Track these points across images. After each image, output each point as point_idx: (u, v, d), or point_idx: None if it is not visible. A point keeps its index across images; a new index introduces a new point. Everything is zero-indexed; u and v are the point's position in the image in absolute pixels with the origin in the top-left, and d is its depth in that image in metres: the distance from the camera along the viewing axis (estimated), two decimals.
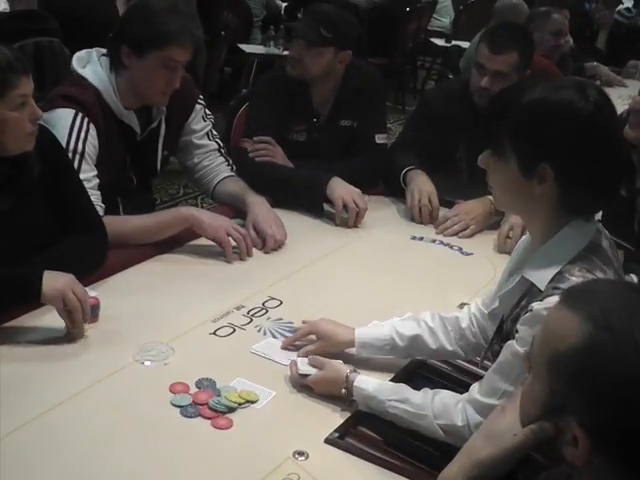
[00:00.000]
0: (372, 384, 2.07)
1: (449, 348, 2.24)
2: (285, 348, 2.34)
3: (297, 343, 2.34)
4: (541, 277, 1.81)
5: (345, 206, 3.26)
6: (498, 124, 1.86)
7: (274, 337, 2.41)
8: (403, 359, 2.31)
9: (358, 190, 3.30)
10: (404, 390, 2.03)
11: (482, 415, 1.80)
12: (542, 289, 1.79)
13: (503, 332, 1.94)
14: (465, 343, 2.24)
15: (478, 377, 2.15)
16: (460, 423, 1.91)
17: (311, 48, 3.47)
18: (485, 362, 2.09)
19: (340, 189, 3.28)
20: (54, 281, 2.22)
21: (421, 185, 3.41)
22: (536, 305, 1.75)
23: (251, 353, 2.32)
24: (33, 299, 2.23)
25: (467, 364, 2.35)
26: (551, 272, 1.80)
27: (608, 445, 1.26)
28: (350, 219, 3.28)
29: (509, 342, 1.84)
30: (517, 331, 1.80)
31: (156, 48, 2.85)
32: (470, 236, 3.31)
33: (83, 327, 2.28)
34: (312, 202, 3.37)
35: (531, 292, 1.85)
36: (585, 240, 1.84)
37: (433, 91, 4.72)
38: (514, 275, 1.95)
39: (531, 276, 1.85)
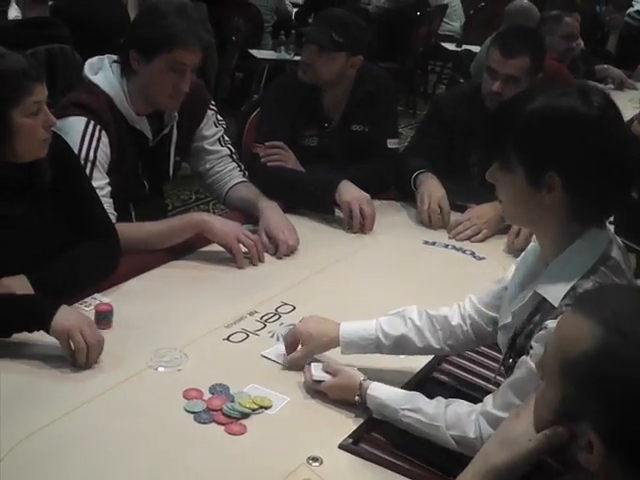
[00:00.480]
0: (385, 392, 2.05)
1: (436, 346, 2.22)
2: None
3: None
4: (554, 293, 1.79)
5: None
6: (503, 136, 1.84)
7: None
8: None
9: (367, 195, 3.28)
10: (417, 399, 2.01)
11: (495, 428, 1.76)
12: (556, 306, 1.78)
13: (516, 347, 1.92)
14: (454, 341, 2.22)
15: (493, 382, 2.17)
16: (472, 435, 1.89)
17: (323, 53, 3.46)
18: (498, 377, 2.08)
19: (348, 194, 3.27)
20: (64, 318, 2.18)
21: (431, 189, 3.40)
22: (550, 324, 1.72)
23: (264, 359, 2.32)
24: (41, 329, 2.20)
25: (481, 369, 2.36)
26: (564, 288, 1.78)
27: (623, 450, 1.26)
28: (354, 226, 3.27)
29: (524, 358, 1.82)
30: (531, 347, 1.79)
31: (163, 51, 2.86)
32: (482, 240, 3.30)
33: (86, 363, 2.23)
34: (323, 206, 3.37)
35: (544, 307, 1.83)
36: (597, 253, 1.82)
37: (444, 96, 4.70)
38: (526, 289, 1.92)
39: (544, 291, 1.83)
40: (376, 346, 2.23)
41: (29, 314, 2.20)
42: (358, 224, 3.26)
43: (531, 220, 1.93)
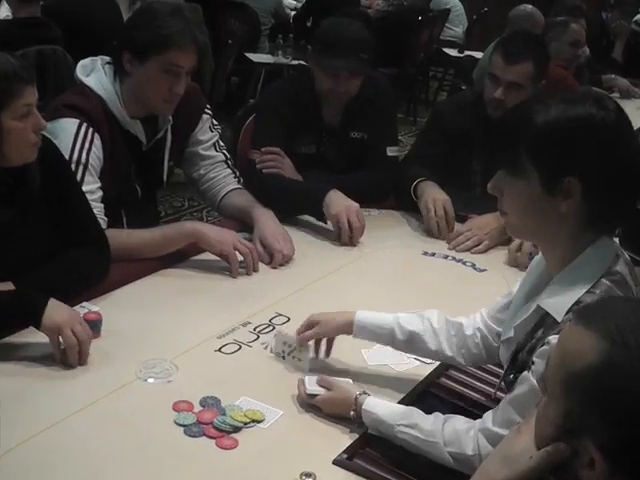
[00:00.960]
0: (381, 407, 2.03)
1: (448, 353, 2.20)
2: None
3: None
4: (558, 308, 1.77)
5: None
6: (513, 144, 1.80)
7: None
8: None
9: (355, 205, 3.21)
10: (414, 415, 1.99)
11: (494, 445, 1.74)
12: (559, 321, 1.75)
13: (518, 362, 1.89)
14: (467, 352, 2.20)
15: (492, 398, 2.15)
16: (470, 452, 1.87)
17: (357, 75, 3.41)
18: (498, 393, 2.06)
19: (335, 207, 3.20)
20: (56, 314, 2.19)
21: (435, 195, 3.36)
22: (553, 339, 1.69)
23: (257, 372, 2.30)
24: (33, 325, 2.20)
25: (481, 384, 2.33)
26: (568, 302, 1.75)
27: (625, 467, 1.24)
28: (342, 237, 3.21)
29: (525, 374, 1.79)
30: (533, 362, 1.76)
31: (157, 52, 2.82)
32: (483, 252, 3.26)
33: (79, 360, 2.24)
34: (314, 216, 3.33)
35: (547, 321, 1.80)
36: (604, 266, 1.79)
37: (445, 103, 4.71)
38: (530, 302, 1.89)
39: (547, 305, 1.80)
40: (389, 338, 2.24)
41: (19, 309, 2.21)
42: (347, 237, 3.20)
43: (538, 231, 1.88)
